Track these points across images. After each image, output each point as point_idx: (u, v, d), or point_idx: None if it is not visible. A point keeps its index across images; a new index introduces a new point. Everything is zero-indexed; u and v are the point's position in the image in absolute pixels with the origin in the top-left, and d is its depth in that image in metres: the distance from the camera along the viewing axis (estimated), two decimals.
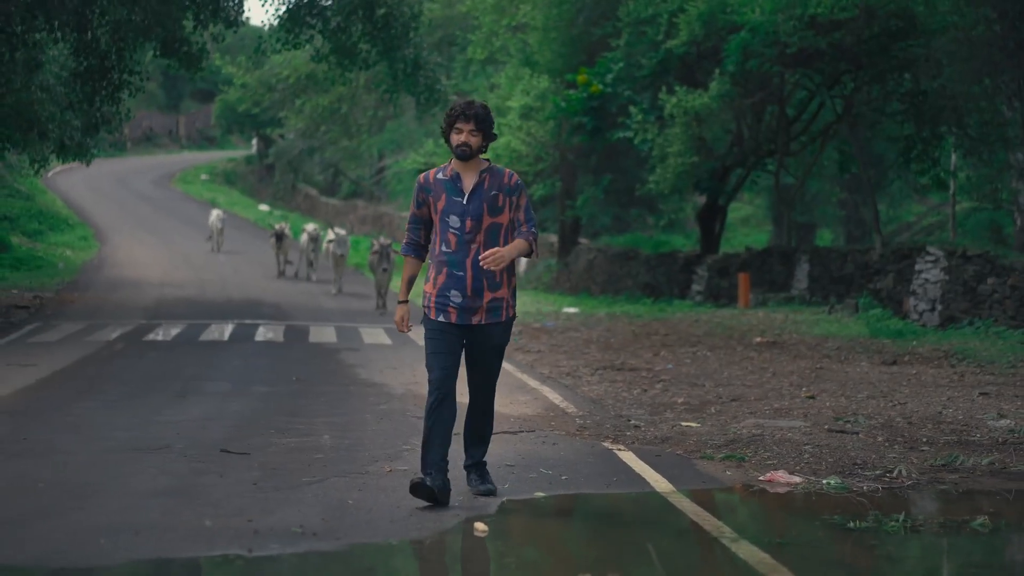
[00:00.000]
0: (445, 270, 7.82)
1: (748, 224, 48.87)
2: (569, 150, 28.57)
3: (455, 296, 7.77)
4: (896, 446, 10.65)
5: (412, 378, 14.61)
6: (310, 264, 31.21)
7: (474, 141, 7.80)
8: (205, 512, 7.16)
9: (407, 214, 36.93)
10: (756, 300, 26.83)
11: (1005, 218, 36.59)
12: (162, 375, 14.71)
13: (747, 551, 6.57)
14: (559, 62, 29.06)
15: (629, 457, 9.96)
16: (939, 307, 23.05)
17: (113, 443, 9.77)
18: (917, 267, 23.92)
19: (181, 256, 36.44)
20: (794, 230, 37.65)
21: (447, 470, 7.77)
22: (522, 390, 14.08)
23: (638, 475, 9.20)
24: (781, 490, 8.86)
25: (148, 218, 48.44)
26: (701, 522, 7.44)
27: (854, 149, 28.45)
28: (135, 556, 6.19)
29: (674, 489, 8.61)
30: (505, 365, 16.46)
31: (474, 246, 7.81)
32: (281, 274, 31.60)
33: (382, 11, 23.26)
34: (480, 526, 7.10)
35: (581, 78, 27.87)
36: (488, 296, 7.83)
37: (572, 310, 26.11)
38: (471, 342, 7.96)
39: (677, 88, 25.90)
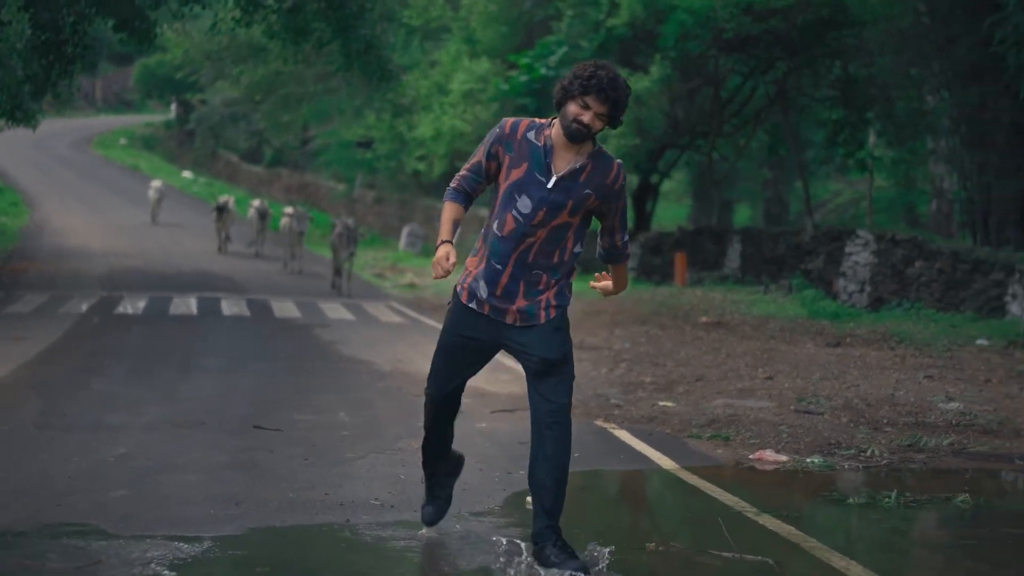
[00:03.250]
0: (486, 255, 6.26)
1: (667, 198, 49.92)
2: None
3: (483, 289, 6.25)
4: (862, 427, 11.58)
5: (393, 356, 15.33)
6: (255, 239, 31.43)
7: (598, 126, 6.11)
8: (281, 486, 7.88)
9: (334, 184, 36.97)
10: (691, 279, 27.81)
11: (920, 198, 37.99)
12: (157, 351, 15.30)
13: (773, 524, 7.42)
14: (501, 43, 29.78)
15: (625, 435, 10.80)
16: (868, 289, 24.15)
17: (151, 418, 10.43)
18: (847, 249, 25.02)
19: (116, 225, 36.72)
20: (718, 208, 38.81)
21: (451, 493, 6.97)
22: (499, 368, 14.81)
23: (640, 453, 10.04)
24: (769, 467, 9.75)
25: (74, 184, 48.50)
26: (719, 497, 8.29)
27: (784, 132, 29.57)
28: (250, 525, 6.90)
29: (678, 466, 9.45)
30: None
31: (530, 241, 6.18)
32: (220, 249, 31.72)
33: None
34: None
35: (523, 61, 28.62)
36: (522, 303, 6.24)
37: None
38: (514, 349, 6.37)
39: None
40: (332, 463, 8.77)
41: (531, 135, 6.20)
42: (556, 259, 6.26)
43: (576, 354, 16.09)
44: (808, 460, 9.97)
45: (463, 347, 6.39)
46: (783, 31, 26.47)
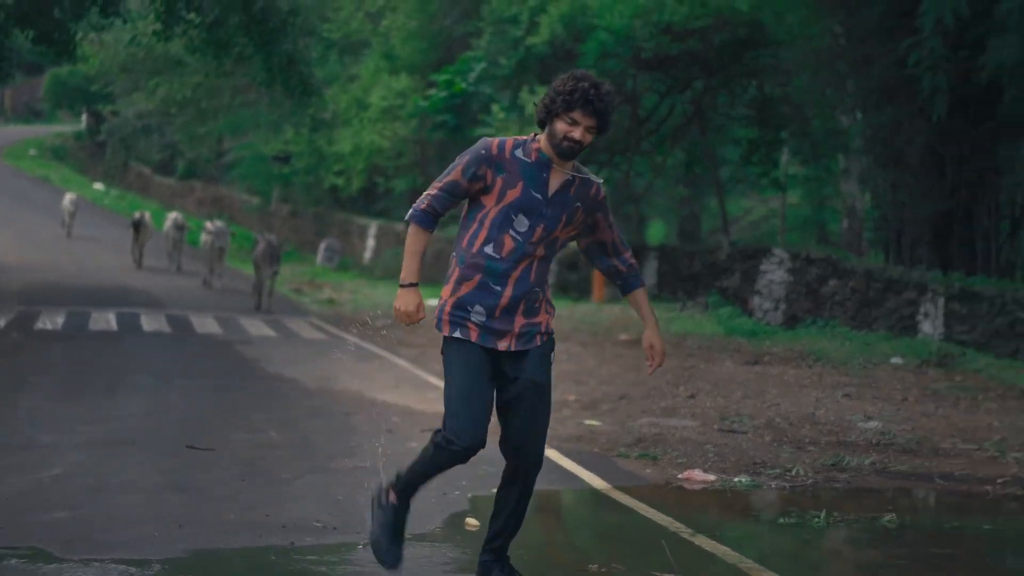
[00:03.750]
0: (478, 278, 5.98)
1: None
2: (430, 146, 29.48)
3: (478, 313, 5.97)
4: (785, 446, 11.79)
5: (318, 374, 15.34)
6: (171, 253, 31.17)
7: (588, 139, 5.98)
8: (221, 507, 7.92)
9: (248, 198, 36.74)
10: (608, 295, 28.03)
11: (831, 217, 38.60)
12: (81, 368, 15.23)
13: (710, 544, 7.56)
14: (420, 59, 29.90)
15: (554, 454, 10.90)
16: (783, 306, 24.49)
17: (82, 437, 10.41)
18: (762, 267, 25.35)
19: (29, 239, 36.33)
20: (635, 224, 39.09)
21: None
22: (427, 387, 14.94)
23: (571, 472, 10.16)
24: (698, 487, 9.92)
25: None
26: (653, 517, 8.42)
27: (701, 150, 29.93)
28: (196, 547, 6.93)
29: (610, 486, 9.59)
30: (395, 359, 17.35)
31: (529, 261, 6.01)
32: (137, 264, 31.20)
33: (259, 4, 23.76)
34: (472, 521, 7.98)
35: (443, 77, 28.76)
36: (520, 322, 6.02)
37: (435, 302, 26.92)
38: (499, 375, 6.10)
39: (539, 88, 26.94)
40: (269, 484, 8.82)
41: (519, 153, 6.02)
42: (547, 275, 6.19)
43: None
44: (736, 479, 10.15)
45: (465, 372, 6.03)
46: (701, 51, 26.82)
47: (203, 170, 53.79)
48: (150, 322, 20.75)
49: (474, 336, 6.00)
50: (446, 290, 6.10)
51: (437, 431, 6.17)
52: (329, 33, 34.62)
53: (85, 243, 36.56)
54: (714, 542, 7.64)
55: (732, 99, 29.19)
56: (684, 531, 7.96)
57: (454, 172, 6.05)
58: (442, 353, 6.18)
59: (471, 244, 6.01)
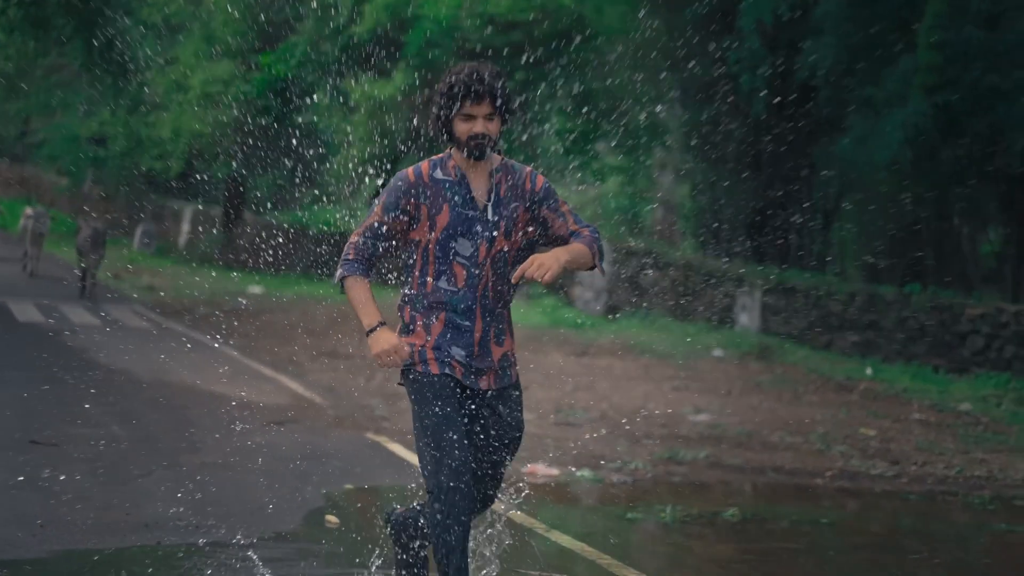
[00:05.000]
0: (443, 317, 5.47)
1: None
2: (252, 131, 29.27)
3: (457, 354, 5.44)
4: (621, 439, 12.07)
5: (149, 364, 15.16)
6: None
7: (492, 129, 5.39)
8: (78, 506, 7.83)
9: (57, 179, 35.83)
10: None
11: (645, 207, 39.29)
12: None
13: (566, 540, 7.74)
14: (242, 43, 29.61)
15: (398, 448, 11.02)
16: (604, 297, 24.89)
17: None
18: None
19: None
20: None
21: None
22: (260, 378, 14.89)
23: (417, 467, 10.26)
24: (542, 481, 10.11)
25: None
26: (506, 513, 8.58)
27: (526, 141, 30.22)
28: (61, 548, 6.86)
29: None
30: (225, 349, 17.25)
31: (483, 285, 5.46)
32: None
33: None
34: (332, 518, 8.04)
35: (265, 61, 28.55)
36: (497, 352, 5.52)
37: (257, 290, 26.81)
38: (477, 416, 5.56)
39: (364, 77, 26.93)
40: (121, 480, 8.75)
41: (438, 174, 5.46)
42: (506, 294, 5.55)
43: (332, 363, 16.40)
44: (578, 473, 10.37)
45: (452, 413, 5.39)
46: (524, 43, 27.08)
47: (8, 149, 52.43)
48: None
49: (460, 373, 5.43)
50: (414, 338, 5.50)
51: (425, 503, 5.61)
52: (148, 15, 34.04)
53: None
54: (570, 538, 7.82)
55: (554, 91, 29.53)
56: (539, 527, 8.12)
57: (373, 214, 5.47)
58: (415, 400, 5.50)
59: (422, 283, 5.49)
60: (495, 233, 5.44)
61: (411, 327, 5.52)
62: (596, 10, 26.84)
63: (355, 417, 12.53)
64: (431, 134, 5.53)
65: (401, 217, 5.41)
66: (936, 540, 9.00)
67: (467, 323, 5.44)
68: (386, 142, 28.15)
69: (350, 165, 27.27)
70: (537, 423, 12.60)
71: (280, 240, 33.33)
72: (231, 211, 36.08)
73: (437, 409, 5.38)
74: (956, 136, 20.90)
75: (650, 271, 24.12)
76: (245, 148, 28.49)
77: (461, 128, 5.36)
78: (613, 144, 30.54)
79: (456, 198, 5.42)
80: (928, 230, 25.16)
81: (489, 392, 5.51)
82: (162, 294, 25.11)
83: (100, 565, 6.60)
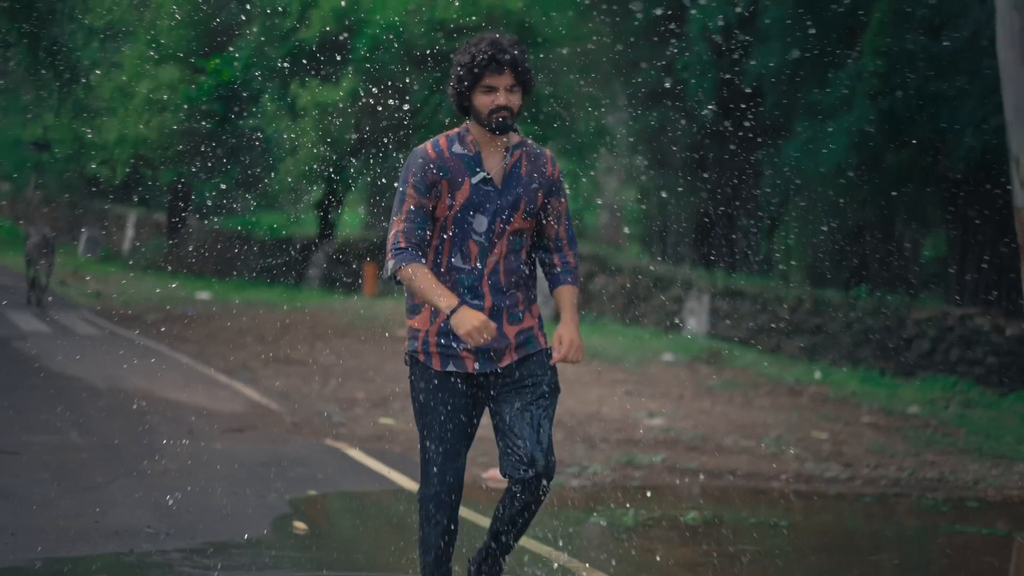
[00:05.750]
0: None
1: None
2: (198, 136, 29.17)
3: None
4: (579, 444, 12.17)
5: (102, 371, 15.12)
6: None
7: (514, 101, 5.22)
8: (47, 514, 7.84)
9: None
10: (379, 290, 28.19)
11: (590, 211, 39.52)
12: None
13: (534, 546, 7.83)
14: (187, 48, 29.47)
15: (358, 455, 11.07)
16: (551, 302, 25.01)
17: None
18: None
19: None
20: (387, 217, 39.29)
21: None
22: (215, 385, 14.90)
23: (379, 473, 10.33)
24: (502, 485, 10.18)
25: None
26: (471, 518, 8.63)
27: None
28: (35, 556, 6.88)
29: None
30: (178, 356, 17.23)
31: (493, 262, 5.29)
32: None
33: None
34: (300, 525, 8.09)
35: (211, 65, 28.44)
36: (512, 330, 5.30)
37: (205, 295, 26.74)
38: (502, 395, 5.34)
39: (310, 82, 26.90)
40: (85, 488, 8.76)
41: (457, 148, 5.26)
42: (522, 275, 5.36)
43: (284, 369, 16.42)
44: None
45: (455, 415, 5.29)
46: None
47: None
48: None
49: (471, 366, 5.26)
50: (419, 320, 5.33)
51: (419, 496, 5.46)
52: (92, 21, 33.84)
53: None
54: (537, 542, 7.90)
55: None
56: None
57: (407, 199, 5.23)
58: (415, 392, 5.37)
59: (437, 260, 5.27)
60: (511, 210, 5.26)
61: (419, 306, 5.32)
62: (544, 15, 26.98)
63: (313, 423, 12.57)
64: (453, 109, 5.36)
65: (430, 193, 5.21)
66: (892, 542, 9.17)
67: (476, 302, 5.24)
68: (333, 148, 28.14)
69: (297, 170, 27.23)
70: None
71: (224, 246, 33.23)
72: (176, 217, 35.96)
73: (439, 408, 5.27)
74: (900, 141, 21.18)
75: (600, 276, 24.26)
76: (191, 153, 28.38)
77: (483, 101, 5.20)
78: (559, 150, 30.70)
79: (473, 172, 5.23)
80: (872, 234, 25.47)
81: (512, 361, 5.30)
82: (113, 297, 25.04)
83: (75, 573, 6.63)
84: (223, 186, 28.64)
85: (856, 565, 8.15)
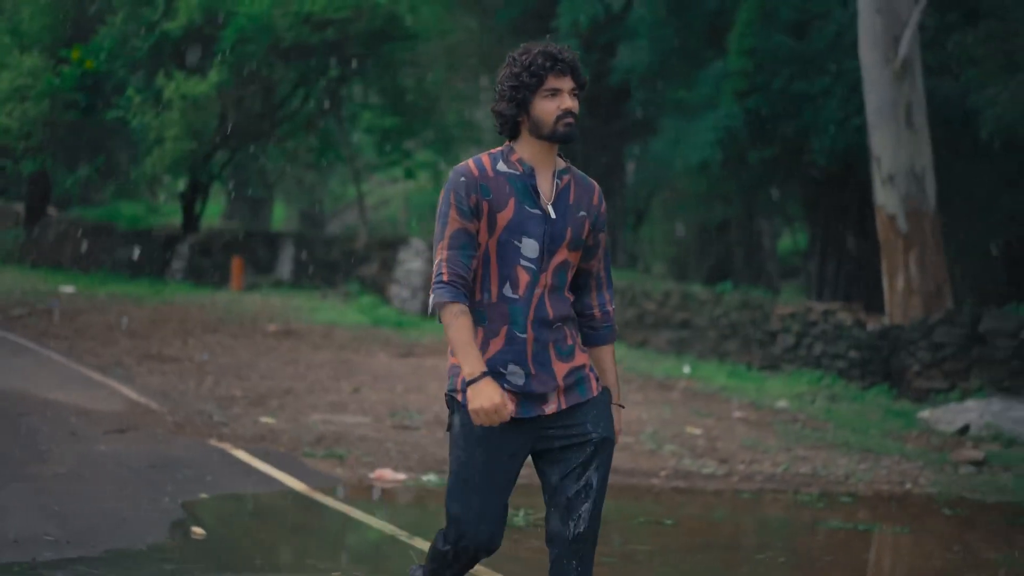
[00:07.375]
0: (505, 330, 4.81)
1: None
2: (61, 126, 28.75)
3: (514, 374, 4.80)
4: None
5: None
6: None
7: (576, 107, 4.81)
8: None
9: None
10: (246, 283, 28.05)
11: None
12: None
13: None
14: (50, 37, 29.01)
15: (244, 455, 11.04)
16: (421, 295, 25.11)
17: None
18: (400, 256, 25.93)
19: None
20: (271, 211, 39.21)
21: None
22: (90, 383, 14.74)
23: (268, 475, 10.33)
24: (390, 486, 10.28)
25: None
26: (365, 520, 8.73)
27: (337, 138, 30.32)
28: None
29: (309, 487, 9.82)
30: (49, 353, 17.01)
31: (539, 293, 4.83)
32: None
33: None
34: (197, 530, 8.10)
35: (75, 54, 28.03)
36: (562, 368, 4.86)
37: (69, 289, 26.38)
38: (545, 452, 4.91)
39: (176, 74, 26.65)
40: None
41: (501, 167, 4.81)
42: (566, 308, 4.94)
43: (158, 366, 16.31)
44: (424, 478, 10.55)
45: (497, 460, 4.85)
46: (339, 41, 27.18)
47: None
48: None
49: (514, 407, 4.78)
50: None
51: (440, 532, 5.21)
52: None
53: None
54: (425, 542, 8.01)
55: (366, 89, 29.72)
56: (401, 535, 8.29)
57: (450, 222, 4.77)
58: (451, 429, 4.97)
59: (486, 291, 4.81)
60: (559, 239, 4.82)
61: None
62: (411, 9, 27.08)
63: (194, 423, 12.51)
64: (497, 131, 4.94)
65: (475, 219, 4.76)
66: (776, 539, 9.43)
67: (522, 335, 4.79)
68: (197, 138, 27.90)
69: (161, 162, 26.97)
70: (375, 427, 12.76)
71: (85, 236, 32.77)
72: (34, 207, 35.36)
73: (478, 455, 4.85)
74: (765, 139, 21.63)
75: None
76: (53, 143, 27.96)
77: (546, 107, 4.77)
78: (425, 143, 30.87)
79: (521, 192, 4.81)
80: (735, 229, 25.97)
81: (560, 408, 4.85)
82: None
83: None
84: (85, 177, 28.23)
85: (744, 563, 8.39)
